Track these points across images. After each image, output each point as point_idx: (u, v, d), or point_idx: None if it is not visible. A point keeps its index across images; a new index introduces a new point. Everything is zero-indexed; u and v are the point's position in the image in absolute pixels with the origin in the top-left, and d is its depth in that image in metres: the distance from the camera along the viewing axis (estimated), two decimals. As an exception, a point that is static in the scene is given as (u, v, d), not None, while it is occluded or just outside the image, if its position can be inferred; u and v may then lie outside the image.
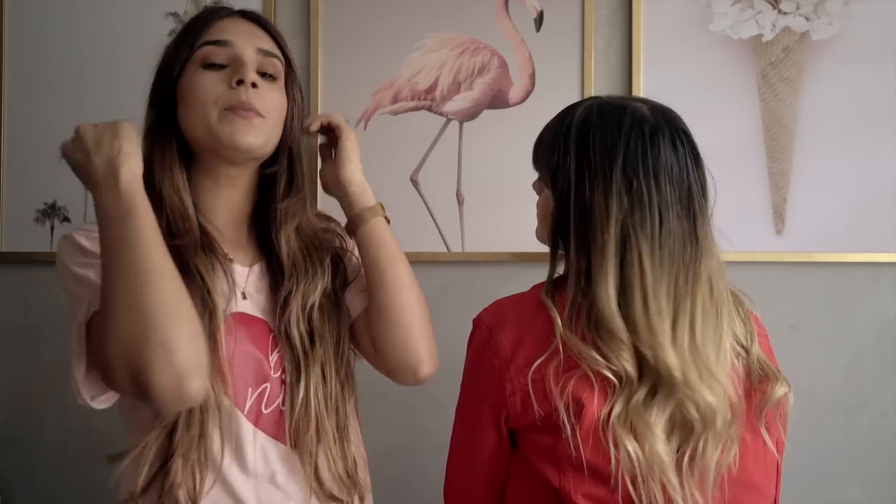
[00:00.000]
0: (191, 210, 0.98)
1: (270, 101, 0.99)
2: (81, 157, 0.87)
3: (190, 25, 1.01)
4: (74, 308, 0.92)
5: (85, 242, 0.94)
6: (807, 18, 1.55)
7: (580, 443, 0.89)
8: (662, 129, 0.94)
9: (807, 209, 1.55)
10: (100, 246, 0.85)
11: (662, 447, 0.88)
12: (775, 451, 0.97)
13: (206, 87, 0.96)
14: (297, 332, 0.98)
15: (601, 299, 0.89)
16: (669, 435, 0.89)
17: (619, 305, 0.89)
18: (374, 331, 1.03)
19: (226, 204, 1.03)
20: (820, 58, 1.55)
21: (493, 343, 0.95)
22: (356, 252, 1.08)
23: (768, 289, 1.56)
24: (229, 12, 1.02)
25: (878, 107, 1.55)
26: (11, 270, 1.62)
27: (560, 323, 0.91)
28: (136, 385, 0.82)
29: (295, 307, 0.99)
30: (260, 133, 0.97)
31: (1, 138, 1.62)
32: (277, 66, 1.01)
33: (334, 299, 1.04)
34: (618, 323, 0.88)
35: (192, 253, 0.94)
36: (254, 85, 0.97)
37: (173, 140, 0.99)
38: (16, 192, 1.62)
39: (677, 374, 0.87)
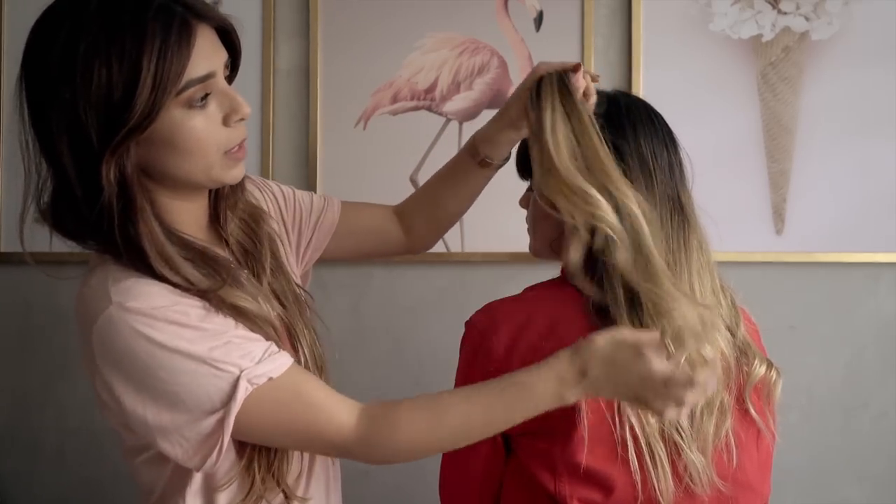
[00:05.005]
0: (215, 252, 0.91)
1: None
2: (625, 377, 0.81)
3: (159, 50, 0.78)
4: (195, 392, 0.81)
5: (185, 316, 0.82)
6: (806, 18, 1.55)
7: (575, 447, 0.89)
8: (638, 106, 0.99)
9: (807, 209, 1.55)
10: (497, 387, 0.86)
11: None
12: (769, 444, 0.97)
13: (204, 132, 0.83)
14: (281, 314, 0.97)
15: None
16: None
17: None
18: None
19: (203, 215, 0.95)
20: (820, 58, 1.55)
21: (485, 346, 0.95)
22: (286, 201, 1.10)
23: (768, 289, 1.56)
24: (196, 19, 0.82)
25: (879, 107, 1.54)
26: (11, 270, 1.62)
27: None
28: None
29: (280, 293, 0.97)
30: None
31: (1, 138, 1.62)
32: None
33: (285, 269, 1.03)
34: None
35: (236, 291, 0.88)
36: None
37: (143, 182, 0.84)
38: (16, 192, 1.62)
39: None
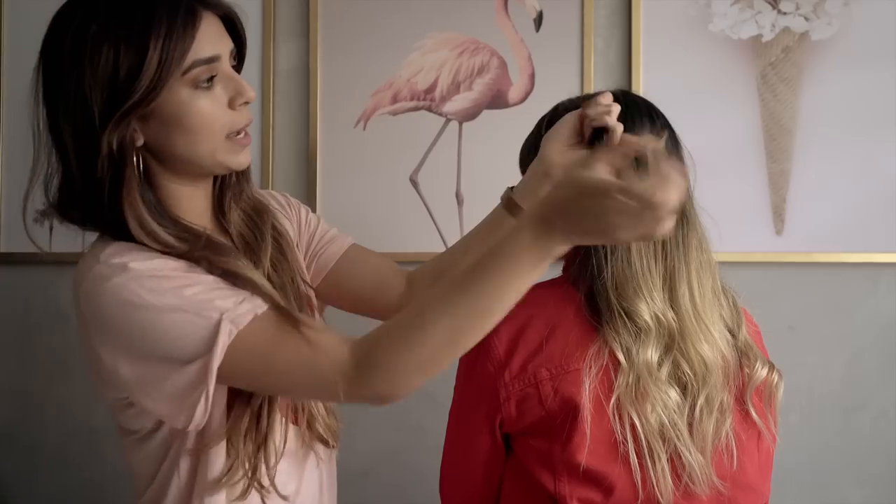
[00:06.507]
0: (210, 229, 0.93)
1: None
2: (618, 219, 0.71)
3: (165, 31, 0.83)
4: (187, 333, 0.81)
5: (165, 269, 0.84)
6: (806, 18, 1.55)
7: (576, 447, 0.89)
8: (638, 103, 0.99)
9: (806, 209, 1.55)
10: (472, 273, 0.79)
11: (675, 398, 0.91)
12: (769, 445, 0.97)
13: (210, 113, 0.87)
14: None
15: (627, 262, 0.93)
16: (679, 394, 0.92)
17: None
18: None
19: (207, 204, 0.97)
20: (819, 58, 1.55)
21: (486, 347, 0.94)
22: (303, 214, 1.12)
23: (768, 289, 1.56)
24: (202, 6, 0.87)
25: (878, 107, 1.54)
26: (11, 270, 1.62)
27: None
28: (394, 394, 0.84)
29: (279, 287, 0.97)
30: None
31: (1, 139, 1.62)
32: None
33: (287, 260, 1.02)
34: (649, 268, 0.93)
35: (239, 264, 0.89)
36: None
37: (150, 165, 0.89)
38: (15, 193, 1.62)
39: (674, 324, 0.91)
